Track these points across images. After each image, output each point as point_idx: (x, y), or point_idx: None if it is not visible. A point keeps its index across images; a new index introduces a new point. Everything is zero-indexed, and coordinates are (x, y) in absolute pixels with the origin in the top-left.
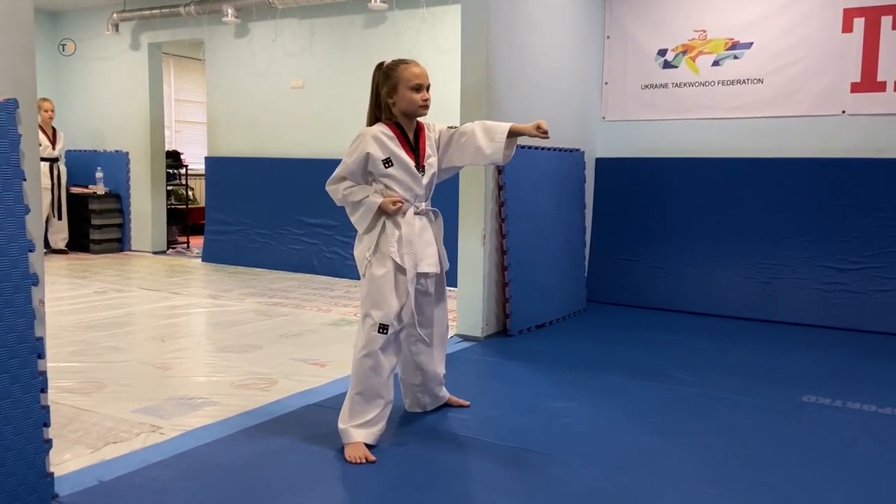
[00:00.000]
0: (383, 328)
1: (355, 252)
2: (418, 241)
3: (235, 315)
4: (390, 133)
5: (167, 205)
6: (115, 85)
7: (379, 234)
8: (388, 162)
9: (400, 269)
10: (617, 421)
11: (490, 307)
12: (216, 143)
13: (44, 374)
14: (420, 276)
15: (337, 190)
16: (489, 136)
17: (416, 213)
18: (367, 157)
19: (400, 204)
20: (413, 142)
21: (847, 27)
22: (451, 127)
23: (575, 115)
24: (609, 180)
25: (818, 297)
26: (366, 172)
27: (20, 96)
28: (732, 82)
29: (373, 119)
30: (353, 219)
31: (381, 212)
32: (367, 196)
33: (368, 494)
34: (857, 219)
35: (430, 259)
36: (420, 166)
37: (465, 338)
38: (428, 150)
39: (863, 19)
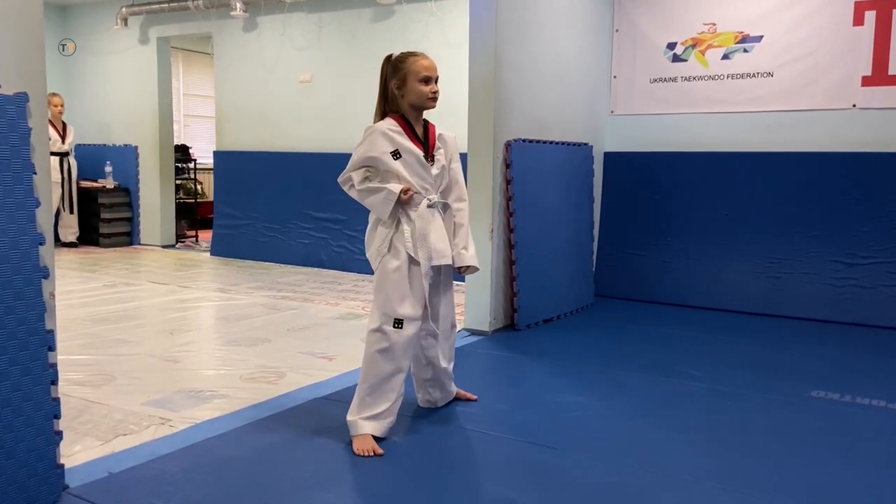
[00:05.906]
0: (398, 323)
1: (367, 246)
2: (431, 234)
3: (244, 309)
4: (397, 127)
5: (176, 199)
6: (123, 79)
7: (393, 228)
8: (396, 154)
9: (414, 263)
10: (625, 415)
11: (498, 301)
12: (224, 138)
13: (54, 366)
14: (433, 268)
15: (349, 181)
16: (458, 236)
17: (428, 206)
18: (376, 156)
19: (411, 192)
20: (422, 135)
21: (858, 20)
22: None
23: (583, 109)
24: (617, 175)
25: (827, 291)
26: (375, 168)
27: (30, 90)
28: (742, 76)
29: (381, 110)
30: (372, 203)
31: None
32: (389, 183)
33: (376, 487)
34: (867, 213)
35: (443, 252)
36: (429, 156)
37: (473, 332)
38: (438, 143)
39: (874, 12)
